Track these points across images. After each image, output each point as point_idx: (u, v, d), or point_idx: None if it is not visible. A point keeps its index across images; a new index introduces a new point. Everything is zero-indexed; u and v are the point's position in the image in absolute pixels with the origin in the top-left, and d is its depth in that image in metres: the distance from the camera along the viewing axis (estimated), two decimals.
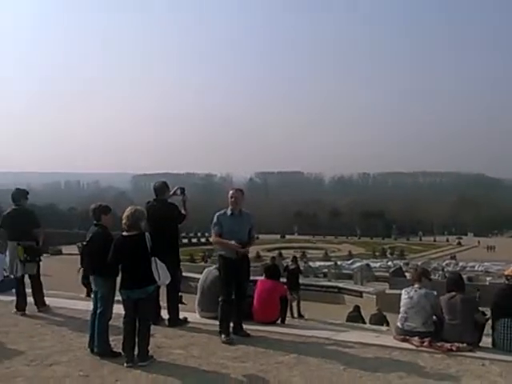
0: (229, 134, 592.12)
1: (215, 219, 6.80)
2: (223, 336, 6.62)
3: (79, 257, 12.51)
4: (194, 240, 76.15)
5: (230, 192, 6.87)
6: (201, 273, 10.89)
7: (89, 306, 7.21)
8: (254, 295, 7.66)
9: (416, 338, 6.40)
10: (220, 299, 6.76)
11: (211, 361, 5.86)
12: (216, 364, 5.75)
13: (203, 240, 72.09)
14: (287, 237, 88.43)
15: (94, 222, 6.30)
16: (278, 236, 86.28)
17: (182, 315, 7.50)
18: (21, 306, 8.03)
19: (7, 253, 8.23)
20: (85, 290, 9.93)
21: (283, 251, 54.15)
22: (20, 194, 8.29)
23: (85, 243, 6.43)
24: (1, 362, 5.72)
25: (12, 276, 8.26)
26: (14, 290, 8.39)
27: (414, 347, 6.31)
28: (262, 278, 8.19)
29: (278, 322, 7.77)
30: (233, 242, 6.58)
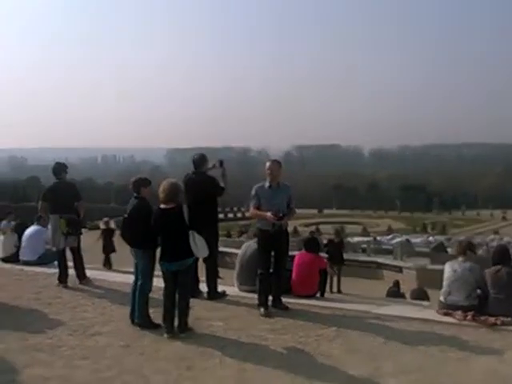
0: (265, 107, 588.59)
1: (253, 192, 6.73)
2: (262, 309, 6.61)
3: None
4: (231, 215, 76.53)
5: (267, 164, 6.77)
6: (237, 248, 10.88)
7: (128, 278, 7.32)
8: (293, 269, 7.60)
9: (459, 312, 6.25)
10: (258, 272, 6.73)
11: (250, 333, 5.86)
12: (255, 336, 5.75)
13: (239, 215, 72.34)
14: (325, 211, 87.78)
15: (134, 194, 6.31)
16: (316, 211, 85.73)
17: (220, 289, 7.52)
18: (63, 278, 8.19)
19: (49, 226, 8.37)
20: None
21: (321, 226, 53.91)
22: (60, 168, 8.38)
23: (125, 216, 6.45)
24: (45, 332, 5.85)
25: (54, 249, 8.39)
26: (55, 263, 8.55)
27: (456, 321, 6.16)
28: (301, 251, 8.11)
29: (317, 295, 7.72)
30: (269, 214, 6.51)
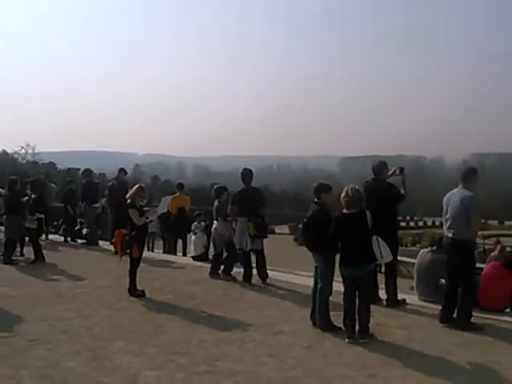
0: (441, 116, 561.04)
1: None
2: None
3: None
4: (403, 223, 73.90)
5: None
6: (409, 256, 10.52)
7: (307, 280, 7.53)
8: (481, 281, 7.15)
9: None
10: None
11: (434, 345, 5.66)
12: (439, 349, 5.53)
13: (412, 224, 69.66)
14: (506, 223, 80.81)
15: (315, 199, 6.46)
16: (496, 222, 79.29)
17: (399, 297, 7.37)
18: (247, 277, 8.68)
19: (236, 228, 8.90)
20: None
21: (502, 238, 49.72)
22: (247, 174, 8.94)
23: (305, 220, 6.63)
24: (234, 327, 6.25)
25: (240, 250, 8.90)
26: (238, 263, 9.12)
27: None
28: (493, 263, 7.60)
29: (507, 310, 7.17)
30: None
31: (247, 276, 8.70)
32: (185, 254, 12.53)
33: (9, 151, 70.73)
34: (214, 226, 9.49)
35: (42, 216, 10.94)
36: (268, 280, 8.82)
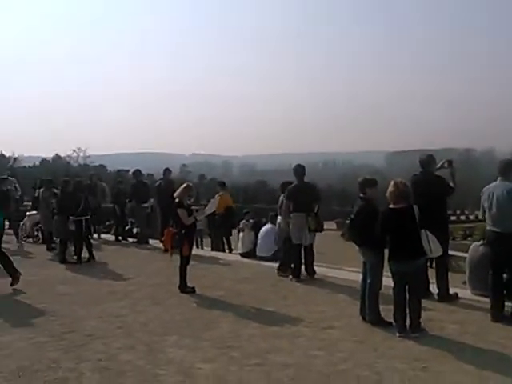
0: (491, 107, 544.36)
1: None
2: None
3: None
4: (453, 217, 72.16)
5: None
6: (460, 251, 10.32)
7: (355, 276, 7.52)
8: None
9: None
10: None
11: (487, 339, 5.57)
12: (493, 343, 5.45)
13: (463, 217, 67.99)
14: None
15: (360, 195, 6.45)
16: None
17: (451, 291, 7.27)
18: (297, 273, 8.72)
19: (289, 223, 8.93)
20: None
21: None
22: (300, 170, 8.99)
23: (351, 216, 6.63)
24: (283, 322, 6.32)
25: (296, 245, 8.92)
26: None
27: None
28: None
29: None
30: None
31: (297, 272, 8.75)
32: (230, 251, 12.71)
33: (62, 155, 73.09)
34: (278, 221, 9.53)
35: (82, 218, 10.85)
36: (316, 276, 8.85)
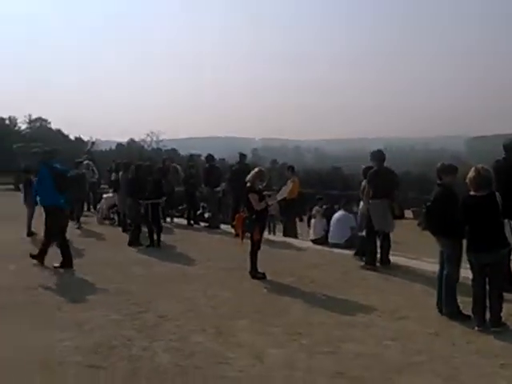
0: None
1: None
2: None
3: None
4: None
5: None
6: None
7: (432, 266, 7.24)
8: None
9: None
10: None
11: None
12: None
13: None
14: None
15: (438, 181, 6.18)
16: None
17: None
18: (372, 261, 8.52)
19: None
20: None
21: None
22: (379, 155, 8.73)
23: (428, 204, 6.36)
24: (356, 311, 6.19)
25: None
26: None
27: None
28: None
29: None
30: None
31: (372, 259, 8.54)
32: (296, 237, 12.68)
33: (136, 139, 75.45)
34: (360, 208, 9.37)
35: (153, 202, 10.98)
36: (390, 265, 8.61)
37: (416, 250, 12.25)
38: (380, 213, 8.40)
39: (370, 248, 8.63)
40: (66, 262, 8.41)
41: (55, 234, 8.50)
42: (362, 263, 8.66)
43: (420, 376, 4.43)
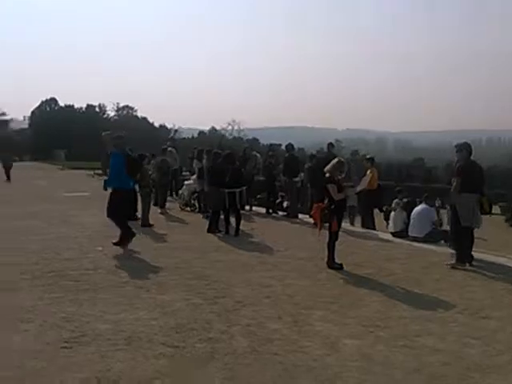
0: None
1: None
2: None
3: None
4: None
5: None
6: None
7: None
8: None
9: None
10: None
11: None
12: None
13: None
14: None
15: None
16: None
17: None
18: (461, 258, 8.17)
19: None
20: None
21: None
22: (466, 148, 8.40)
23: None
24: (436, 307, 6.04)
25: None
26: (442, 242, 8.70)
27: None
28: None
29: None
30: None
31: (462, 256, 8.20)
32: (374, 228, 12.47)
33: (217, 127, 76.89)
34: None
35: (233, 190, 10.97)
36: (473, 262, 8.29)
37: (502, 247, 11.76)
38: (468, 207, 8.09)
39: (460, 246, 8.29)
40: (123, 240, 8.94)
41: (124, 214, 9.01)
42: (450, 262, 8.30)
43: (504, 376, 4.27)
